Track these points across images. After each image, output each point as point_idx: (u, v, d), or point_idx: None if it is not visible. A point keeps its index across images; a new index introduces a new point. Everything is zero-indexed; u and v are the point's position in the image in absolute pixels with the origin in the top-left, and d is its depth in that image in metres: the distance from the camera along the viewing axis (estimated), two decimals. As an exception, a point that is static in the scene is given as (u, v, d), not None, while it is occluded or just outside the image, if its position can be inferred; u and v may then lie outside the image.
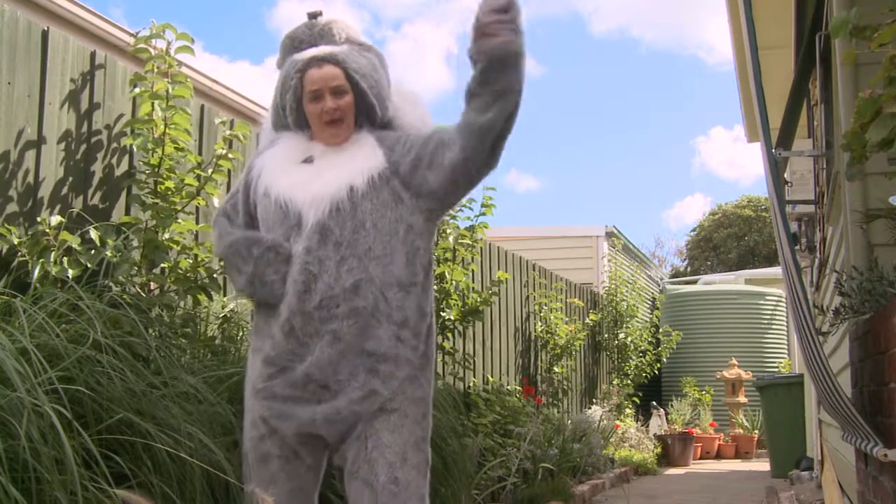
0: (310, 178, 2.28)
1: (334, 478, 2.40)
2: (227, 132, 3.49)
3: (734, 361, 10.79)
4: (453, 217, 5.16)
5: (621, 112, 54.18)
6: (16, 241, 2.79)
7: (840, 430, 2.99)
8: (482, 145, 2.22)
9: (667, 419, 10.49)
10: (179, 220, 3.28)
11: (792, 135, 4.60)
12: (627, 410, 9.83)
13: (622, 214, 60.93)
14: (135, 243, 3.18)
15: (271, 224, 2.30)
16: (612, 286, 10.43)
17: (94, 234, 2.98)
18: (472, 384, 6.17)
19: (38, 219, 2.92)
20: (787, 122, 4.46)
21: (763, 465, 9.15)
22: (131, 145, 3.30)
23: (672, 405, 10.84)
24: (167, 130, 3.25)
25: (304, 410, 2.20)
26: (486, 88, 2.20)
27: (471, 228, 5.25)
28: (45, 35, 3.04)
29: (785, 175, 4.81)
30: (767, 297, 12.16)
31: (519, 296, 7.48)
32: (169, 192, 3.27)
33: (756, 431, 10.69)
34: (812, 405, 6.96)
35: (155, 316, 3.11)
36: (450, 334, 5.46)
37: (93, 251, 2.95)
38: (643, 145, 53.17)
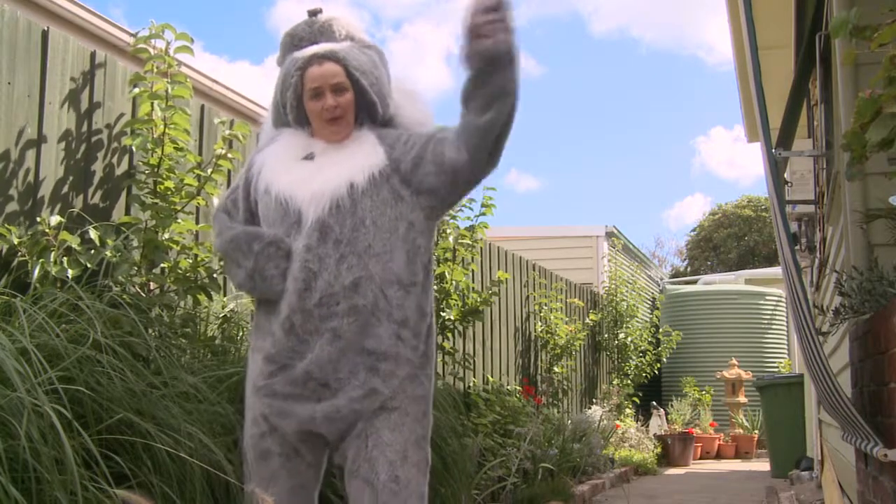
0: (310, 175, 2.28)
1: (334, 477, 2.40)
2: (227, 132, 3.49)
3: (734, 361, 10.79)
4: (453, 217, 5.16)
5: (621, 112, 54.22)
6: (16, 241, 2.79)
7: (840, 430, 2.99)
8: (483, 146, 2.22)
9: (667, 419, 10.49)
10: (179, 220, 3.28)
11: (792, 135, 4.60)
12: (627, 410, 9.83)
13: (622, 214, 60.96)
14: (135, 243, 3.19)
15: (272, 221, 2.30)
16: (612, 286, 10.43)
17: (93, 234, 2.98)
18: (472, 384, 6.17)
19: (38, 219, 2.92)
20: (787, 122, 4.46)
21: (763, 465, 9.15)
22: (131, 145, 3.30)
23: (672, 405, 10.85)
24: (167, 130, 3.25)
25: (304, 408, 2.20)
26: (481, 90, 2.18)
27: (471, 228, 5.25)
28: (45, 35, 3.04)
29: (785, 175, 4.81)
30: (767, 297, 12.16)
31: (519, 296, 7.48)
32: (168, 192, 3.27)
33: (756, 431, 10.69)
34: (812, 405, 6.96)
35: (155, 316, 3.11)
36: (450, 334, 5.46)
37: (92, 251, 2.95)
38: (643, 145, 53.21)
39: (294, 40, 2.42)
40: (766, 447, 8.83)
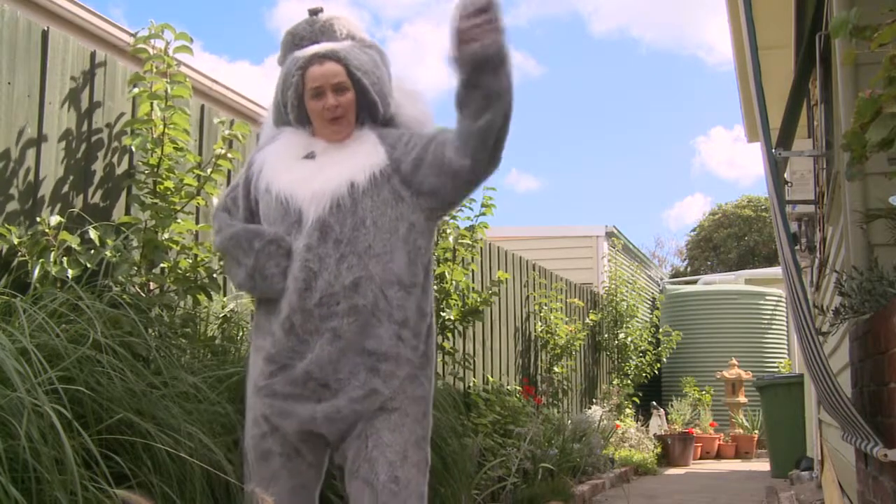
0: (311, 175, 2.28)
1: (334, 477, 2.40)
2: (227, 132, 3.49)
3: (734, 361, 10.79)
4: (453, 217, 5.16)
5: (621, 112, 54.22)
6: (16, 241, 2.79)
7: (840, 430, 2.99)
8: (483, 149, 2.20)
9: (667, 419, 10.49)
10: (179, 220, 3.28)
11: (792, 135, 4.60)
12: (627, 410, 9.83)
13: (622, 214, 60.96)
14: (134, 243, 3.18)
15: (272, 220, 2.30)
16: (612, 286, 10.43)
17: (93, 234, 2.98)
18: (472, 384, 6.17)
19: (38, 219, 2.92)
20: (787, 122, 4.46)
21: (763, 465, 9.15)
22: (131, 145, 3.30)
23: (672, 405, 10.84)
24: (166, 130, 3.25)
25: (305, 408, 2.20)
26: (474, 94, 2.16)
27: (471, 228, 5.24)
28: (45, 35, 3.04)
29: (785, 175, 4.81)
30: (767, 297, 12.16)
31: (519, 296, 7.48)
32: (168, 192, 3.27)
33: (756, 431, 10.69)
34: (812, 405, 6.96)
35: (155, 316, 3.11)
36: (450, 334, 5.46)
37: (92, 251, 2.95)
38: (643, 145, 53.21)
39: (295, 39, 2.41)
40: (766, 447, 8.83)
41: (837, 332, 3.29)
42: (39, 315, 2.37)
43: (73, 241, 2.88)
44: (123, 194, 3.36)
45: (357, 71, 2.31)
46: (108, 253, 2.95)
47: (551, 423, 6.58)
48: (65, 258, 2.87)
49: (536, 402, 6.85)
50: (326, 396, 2.19)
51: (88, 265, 2.89)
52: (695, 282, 15.11)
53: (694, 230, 28.97)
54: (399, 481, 2.15)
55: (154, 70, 3.27)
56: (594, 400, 9.50)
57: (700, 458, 10.29)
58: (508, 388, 6.64)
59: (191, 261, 3.30)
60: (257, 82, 44.10)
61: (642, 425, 9.89)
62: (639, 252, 13.14)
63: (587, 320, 9.41)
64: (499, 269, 6.82)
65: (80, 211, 3.12)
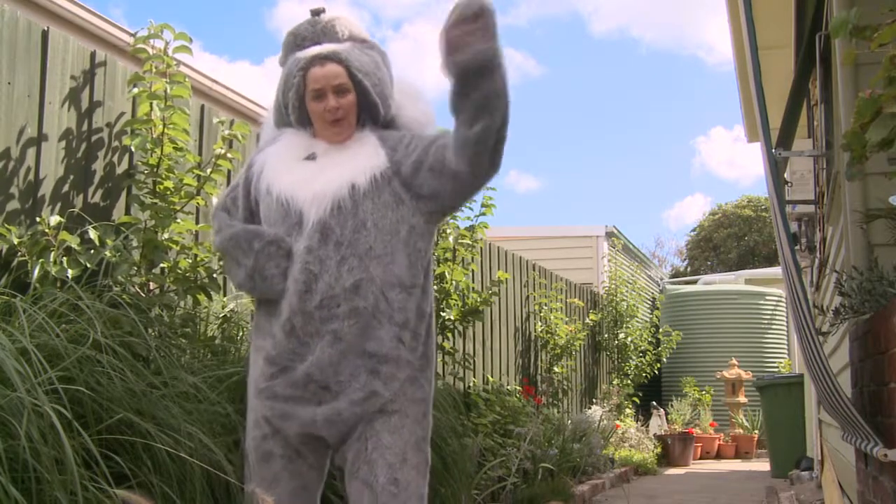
0: (312, 176, 2.27)
1: (335, 478, 2.40)
2: (227, 132, 3.49)
3: (734, 361, 10.79)
4: (453, 217, 5.16)
5: (621, 112, 54.22)
6: (16, 241, 2.79)
7: (840, 430, 2.99)
8: (481, 154, 2.18)
9: (667, 419, 10.49)
10: (178, 220, 3.28)
11: (792, 135, 4.60)
12: (627, 410, 9.83)
13: (622, 214, 60.96)
14: (134, 243, 3.19)
15: (273, 222, 2.30)
16: (612, 286, 10.43)
17: (93, 234, 2.98)
18: (472, 384, 6.17)
19: (38, 218, 2.92)
20: (787, 122, 4.46)
21: (763, 465, 9.15)
22: (130, 145, 3.30)
23: (672, 405, 10.85)
24: (165, 130, 3.25)
25: (306, 411, 2.20)
26: (466, 102, 2.13)
27: (471, 228, 5.25)
28: (45, 35, 3.04)
29: (785, 175, 4.81)
30: (767, 297, 12.16)
31: (519, 296, 7.48)
32: (168, 192, 3.27)
33: (756, 431, 10.69)
34: (812, 405, 6.96)
35: (155, 316, 3.11)
36: (450, 334, 5.46)
37: (92, 251, 2.95)
38: (643, 145, 53.21)
39: (297, 40, 2.41)
40: (766, 447, 8.83)
41: (837, 332, 3.29)
42: (39, 315, 2.37)
43: (73, 241, 2.88)
44: (123, 194, 3.36)
45: (358, 72, 2.30)
46: (107, 253, 2.95)
47: (551, 423, 6.58)
48: (65, 258, 2.87)
49: (536, 402, 6.85)
50: (327, 399, 2.19)
51: (88, 265, 2.89)
52: (695, 282, 15.11)
53: (694, 230, 28.98)
54: (398, 483, 2.15)
55: (153, 70, 3.27)
56: (594, 400, 9.50)
57: (700, 458, 10.29)
58: (508, 388, 6.64)
59: (191, 261, 3.30)
60: (257, 82, 44.15)
61: (642, 425, 9.89)
62: (639, 252, 13.14)
63: (587, 320, 9.41)
64: (499, 269, 6.82)
65: (79, 211, 3.12)
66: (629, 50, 53.21)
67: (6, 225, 2.81)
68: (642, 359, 10.48)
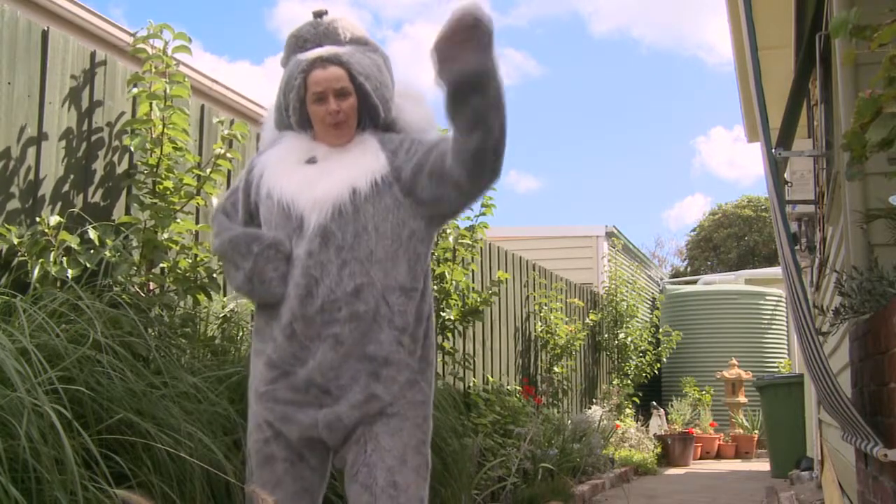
0: (312, 180, 2.26)
1: (335, 478, 2.40)
2: (226, 132, 3.49)
3: (734, 361, 10.79)
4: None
5: (621, 112, 54.23)
6: (15, 241, 2.79)
7: (840, 430, 2.99)
8: (480, 162, 2.15)
9: (667, 419, 10.49)
10: (178, 220, 3.28)
11: (792, 135, 4.61)
12: (627, 410, 9.83)
13: (622, 214, 60.95)
14: (134, 243, 3.19)
15: (273, 225, 2.29)
16: (612, 286, 10.43)
17: (93, 234, 2.98)
18: (472, 384, 6.17)
19: (38, 218, 2.92)
20: (787, 122, 4.46)
21: (763, 465, 9.15)
22: (130, 145, 3.30)
23: (672, 405, 10.85)
24: (165, 130, 3.25)
25: (306, 415, 2.20)
26: (460, 111, 2.10)
27: (471, 228, 5.25)
28: (45, 35, 3.04)
29: (785, 175, 4.81)
30: (767, 297, 12.16)
31: (519, 296, 7.48)
32: (168, 192, 3.27)
33: (756, 431, 10.69)
34: (812, 405, 6.96)
35: (155, 316, 3.11)
36: (450, 334, 5.46)
37: (92, 251, 2.95)
38: (643, 145, 53.21)
39: (299, 41, 2.40)
40: (766, 447, 8.83)
41: (837, 332, 3.29)
42: (39, 315, 2.37)
43: (73, 241, 2.88)
44: (123, 194, 3.36)
45: (359, 76, 2.29)
46: (107, 253, 2.95)
47: (551, 423, 6.58)
48: (65, 258, 2.87)
49: (536, 402, 6.86)
50: (328, 402, 2.18)
51: (88, 265, 2.89)
52: (695, 282, 15.11)
53: (694, 230, 28.99)
54: (398, 486, 2.15)
55: (153, 70, 3.27)
56: (594, 400, 9.50)
57: (700, 458, 10.29)
58: (508, 388, 6.64)
59: (190, 261, 3.30)
60: (257, 82, 44.11)
61: (642, 425, 9.89)
62: (639, 252, 13.14)
63: (587, 320, 9.41)
64: (499, 269, 6.82)
65: (79, 211, 3.12)
66: (629, 50, 53.26)
67: (6, 225, 2.81)
68: (642, 359, 10.48)
